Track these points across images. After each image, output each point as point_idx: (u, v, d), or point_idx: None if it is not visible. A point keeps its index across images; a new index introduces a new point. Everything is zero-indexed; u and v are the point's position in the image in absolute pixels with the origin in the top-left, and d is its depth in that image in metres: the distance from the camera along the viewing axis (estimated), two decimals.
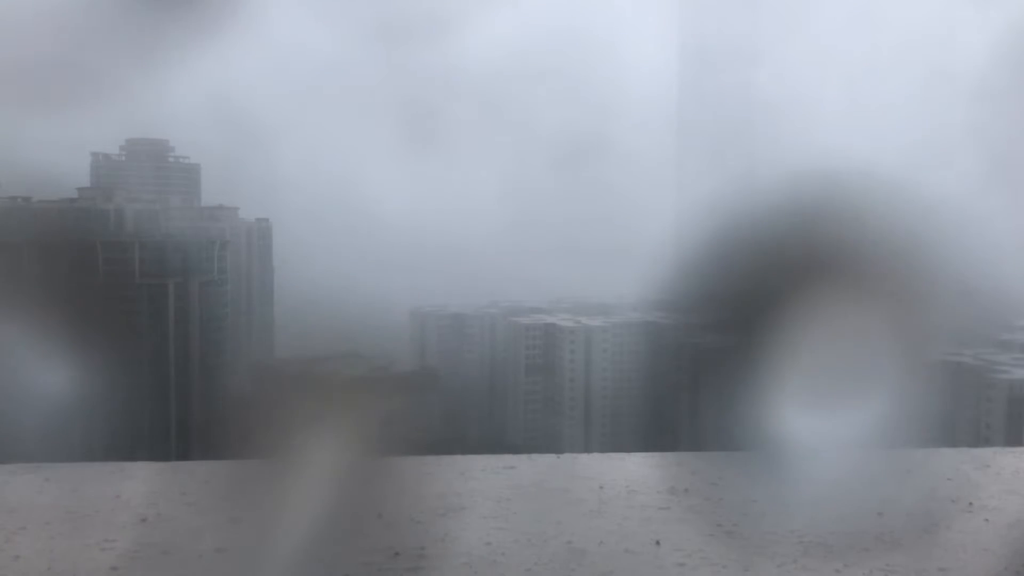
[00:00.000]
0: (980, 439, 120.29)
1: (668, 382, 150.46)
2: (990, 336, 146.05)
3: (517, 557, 3.84)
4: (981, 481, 4.95)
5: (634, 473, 5.03)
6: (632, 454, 5.43)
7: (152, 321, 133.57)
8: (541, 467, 5.13)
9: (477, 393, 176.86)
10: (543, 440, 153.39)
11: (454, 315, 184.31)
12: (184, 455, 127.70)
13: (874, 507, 4.52)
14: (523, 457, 5.29)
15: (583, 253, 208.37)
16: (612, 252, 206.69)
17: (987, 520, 4.38)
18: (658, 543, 3.99)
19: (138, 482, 4.77)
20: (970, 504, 4.58)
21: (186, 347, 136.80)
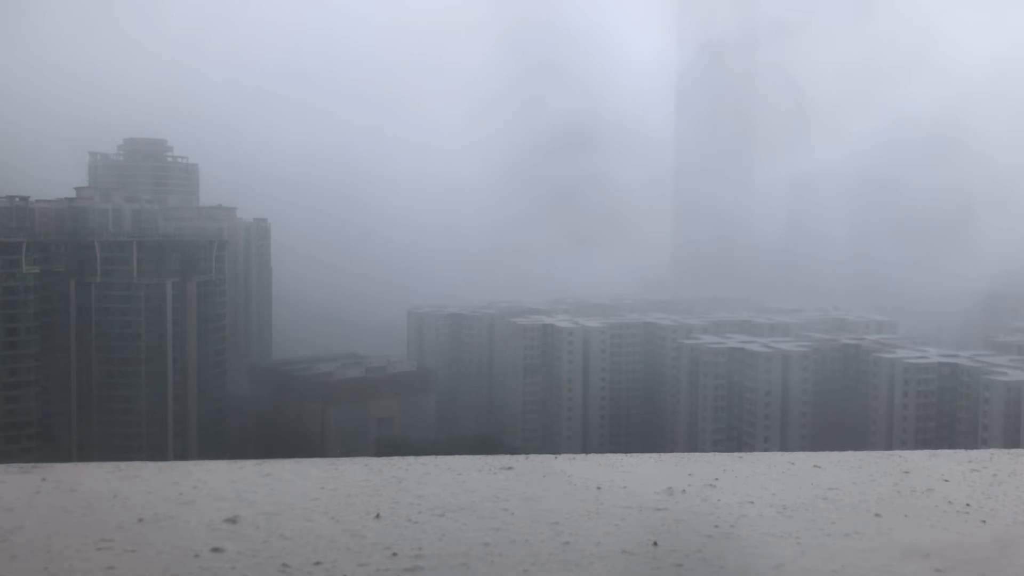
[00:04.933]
0: (978, 440, 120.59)
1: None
2: (987, 339, 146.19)
3: (514, 557, 3.84)
4: (979, 483, 4.96)
5: (631, 474, 5.03)
6: (629, 455, 5.44)
7: (150, 321, 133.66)
8: (538, 468, 5.13)
9: (475, 394, 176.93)
10: (540, 441, 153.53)
11: (452, 315, 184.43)
12: (182, 455, 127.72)
13: (872, 508, 4.53)
14: (520, 458, 5.30)
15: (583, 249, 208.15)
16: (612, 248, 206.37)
17: (984, 522, 4.39)
18: (656, 544, 3.99)
19: (136, 482, 4.76)
20: (967, 505, 4.59)
21: (184, 347, 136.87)
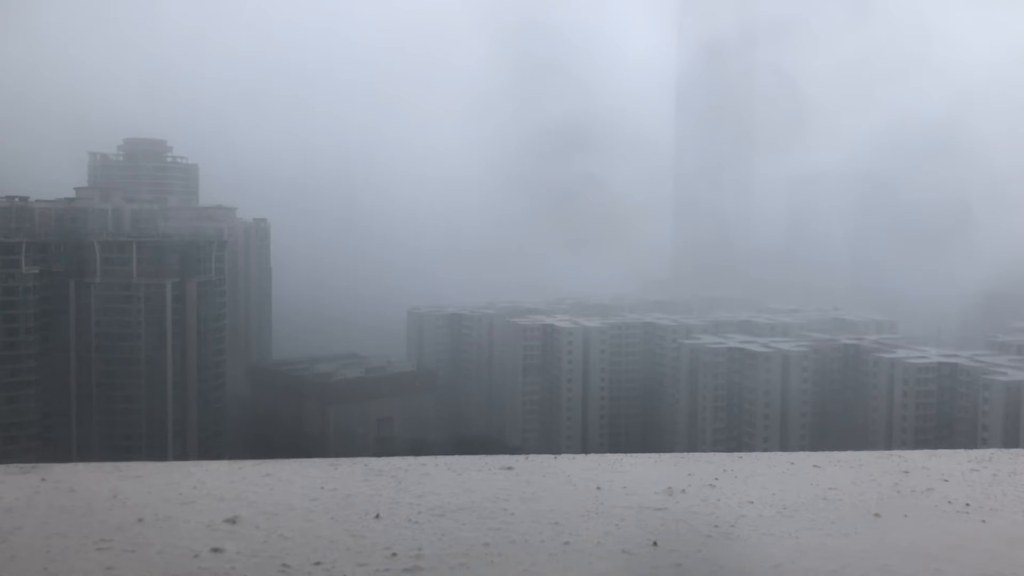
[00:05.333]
0: (977, 440, 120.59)
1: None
2: (987, 338, 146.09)
3: (514, 557, 3.84)
4: (978, 482, 4.96)
5: (631, 474, 5.03)
6: (629, 455, 5.44)
7: (149, 321, 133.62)
8: (538, 468, 5.13)
9: (475, 394, 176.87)
10: (540, 441, 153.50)
11: (452, 315, 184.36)
12: (181, 455, 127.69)
13: (871, 508, 4.53)
14: (520, 458, 5.29)
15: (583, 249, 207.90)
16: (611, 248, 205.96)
17: (984, 521, 4.39)
18: (655, 543, 3.99)
19: (135, 482, 4.76)
20: (967, 505, 4.59)
21: (183, 347, 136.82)
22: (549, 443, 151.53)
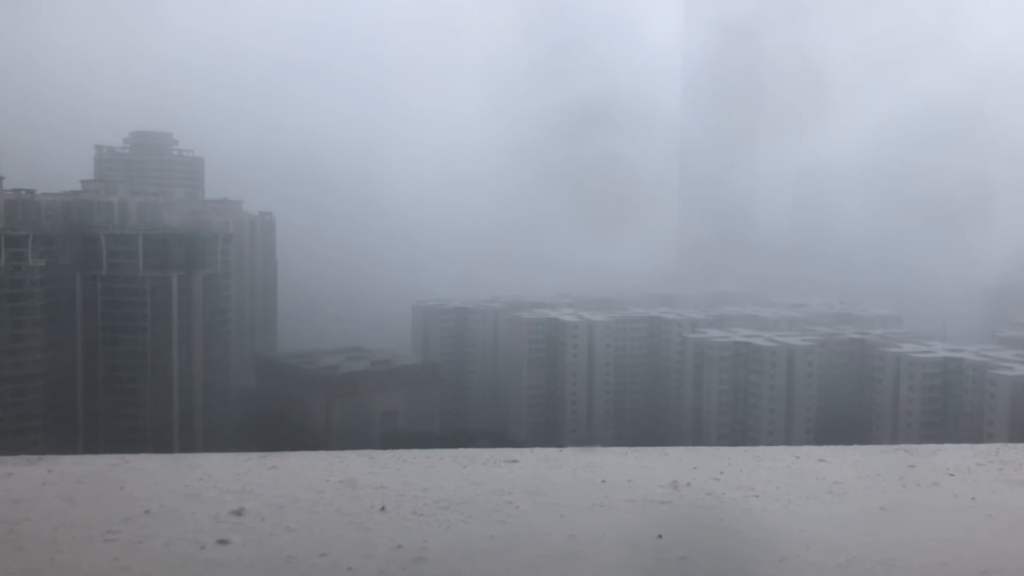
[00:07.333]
0: (983, 435, 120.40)
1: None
2: (993, 333, 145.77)
3: (519, 550, 3.85)
4: (984, 477, 4.95)
5: (636, 467, 5.02)
6: (634, 448, 5.43)
7: (155, 314, 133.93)
8: (543, 461, 5.13)
9: (479, 387, 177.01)
10: (545, 434, 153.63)
11: (457, 309, 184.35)
12: (187, 447, 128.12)
13: (877, 502, 4.52)
14: (525, 451, 5.29)
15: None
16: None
17: (990, 516, 4.38)
18: (660, 536, 3.99)
19: (142, 474, 4.77)
20: (973, 499, 4.58)
21: (189, 340, 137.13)
22: (554, 437, 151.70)
